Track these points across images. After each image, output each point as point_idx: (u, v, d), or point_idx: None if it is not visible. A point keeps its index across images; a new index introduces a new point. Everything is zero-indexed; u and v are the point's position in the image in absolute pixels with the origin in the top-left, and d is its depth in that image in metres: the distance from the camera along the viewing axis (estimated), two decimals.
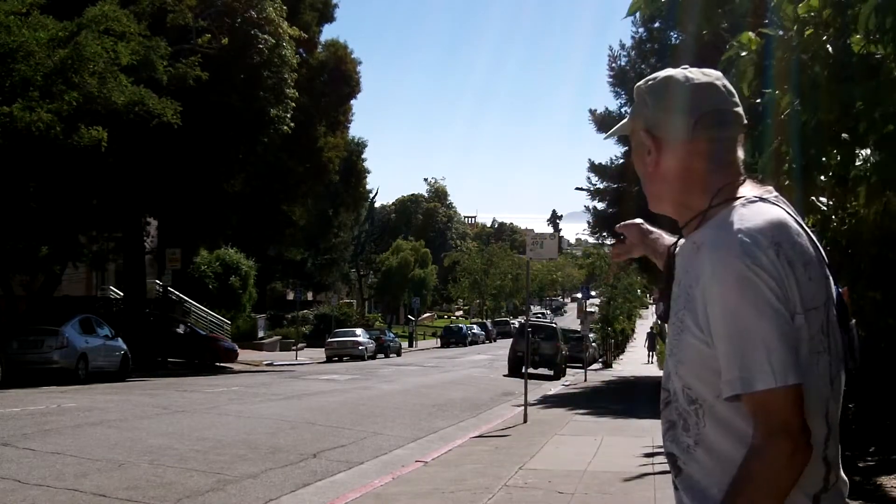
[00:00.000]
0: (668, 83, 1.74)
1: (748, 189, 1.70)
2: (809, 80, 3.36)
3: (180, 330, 29.74)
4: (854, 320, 1.72)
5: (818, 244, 1.67)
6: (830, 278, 1.66)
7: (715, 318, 1.55)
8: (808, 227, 1.72)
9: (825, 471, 1.61)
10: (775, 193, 1.70)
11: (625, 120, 1.85)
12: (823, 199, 3.82)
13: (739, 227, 1.59)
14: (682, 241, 1.80)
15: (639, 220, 2.25)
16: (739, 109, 1.73)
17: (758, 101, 3.68)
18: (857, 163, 3.47)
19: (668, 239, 2.14)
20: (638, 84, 1.81)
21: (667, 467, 1.77)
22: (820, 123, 3.37)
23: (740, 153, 1.74)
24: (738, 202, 1.66)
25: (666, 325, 1.77)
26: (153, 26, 21.84)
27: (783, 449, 1.49)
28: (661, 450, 1.79)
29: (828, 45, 3.35)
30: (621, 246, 2.32)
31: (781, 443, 1.49)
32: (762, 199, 1.66)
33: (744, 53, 3.71)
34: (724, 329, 1.54)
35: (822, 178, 3.58)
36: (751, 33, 3.72)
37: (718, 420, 1.61)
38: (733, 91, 1.75)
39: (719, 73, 1.77)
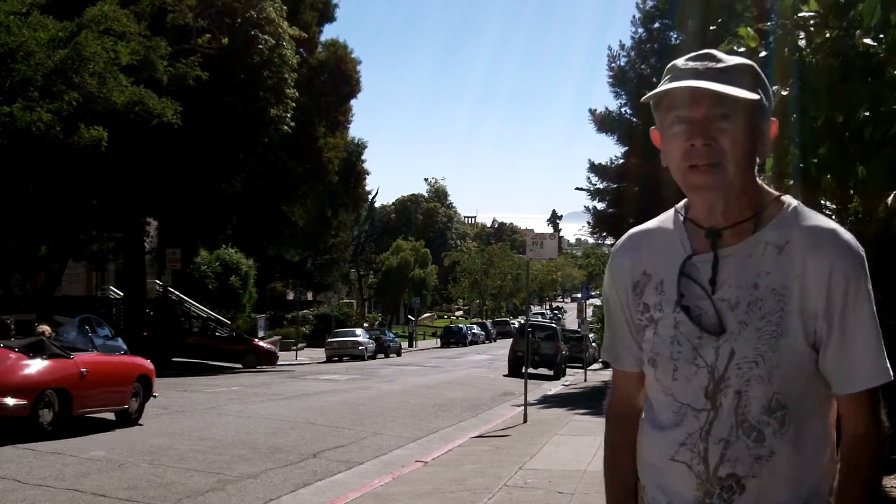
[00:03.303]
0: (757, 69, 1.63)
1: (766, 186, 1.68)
2: (814, 78, 3.32)
3: (221, 333, 29.50)
4: None
5: None
6: None
7: (856, 311, 1.55)
8: None
9: None
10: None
11: (733, 89, 1.53)
12: (826, 203, 3.79)
13: (834, 223, 1.59)
14: (716, 248, 1.62)
15: None
16: None
17: None
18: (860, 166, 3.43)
19: None
20: (748, 62, 1.62)
21: None
22: (824, 124, 3.33)
23: None
24: (790, 199, 1.64)
25: (712, 334, 1.60)
26: (153, 26, 21.82)
27: (886, 432, 1.58)
28: None
29: (833, 44, 3.31)
30: None
31: (884, 427, 1.57)
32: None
33: (741, 49, 3.68)
34: (870, 322, 1.56)
35: (824, 179, 3.55)
36: (749, 29, 3.69)
37: (803, 419, 1.59)
38: None
39: None
